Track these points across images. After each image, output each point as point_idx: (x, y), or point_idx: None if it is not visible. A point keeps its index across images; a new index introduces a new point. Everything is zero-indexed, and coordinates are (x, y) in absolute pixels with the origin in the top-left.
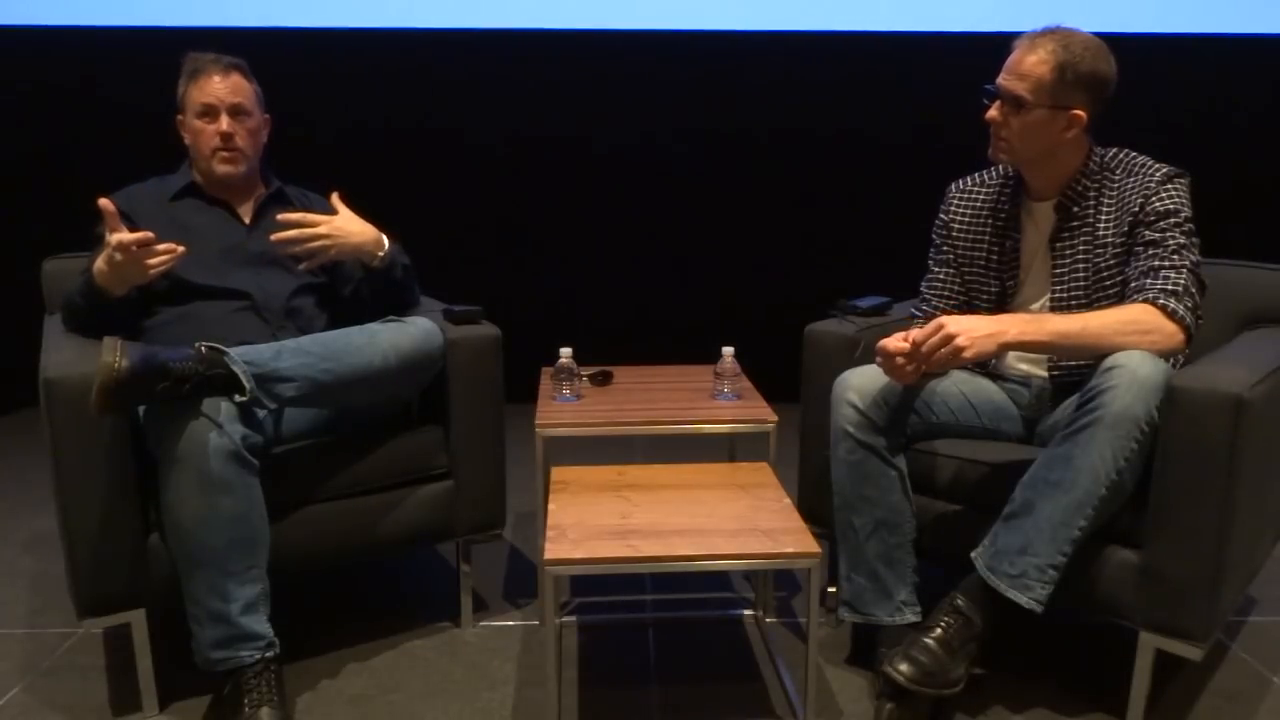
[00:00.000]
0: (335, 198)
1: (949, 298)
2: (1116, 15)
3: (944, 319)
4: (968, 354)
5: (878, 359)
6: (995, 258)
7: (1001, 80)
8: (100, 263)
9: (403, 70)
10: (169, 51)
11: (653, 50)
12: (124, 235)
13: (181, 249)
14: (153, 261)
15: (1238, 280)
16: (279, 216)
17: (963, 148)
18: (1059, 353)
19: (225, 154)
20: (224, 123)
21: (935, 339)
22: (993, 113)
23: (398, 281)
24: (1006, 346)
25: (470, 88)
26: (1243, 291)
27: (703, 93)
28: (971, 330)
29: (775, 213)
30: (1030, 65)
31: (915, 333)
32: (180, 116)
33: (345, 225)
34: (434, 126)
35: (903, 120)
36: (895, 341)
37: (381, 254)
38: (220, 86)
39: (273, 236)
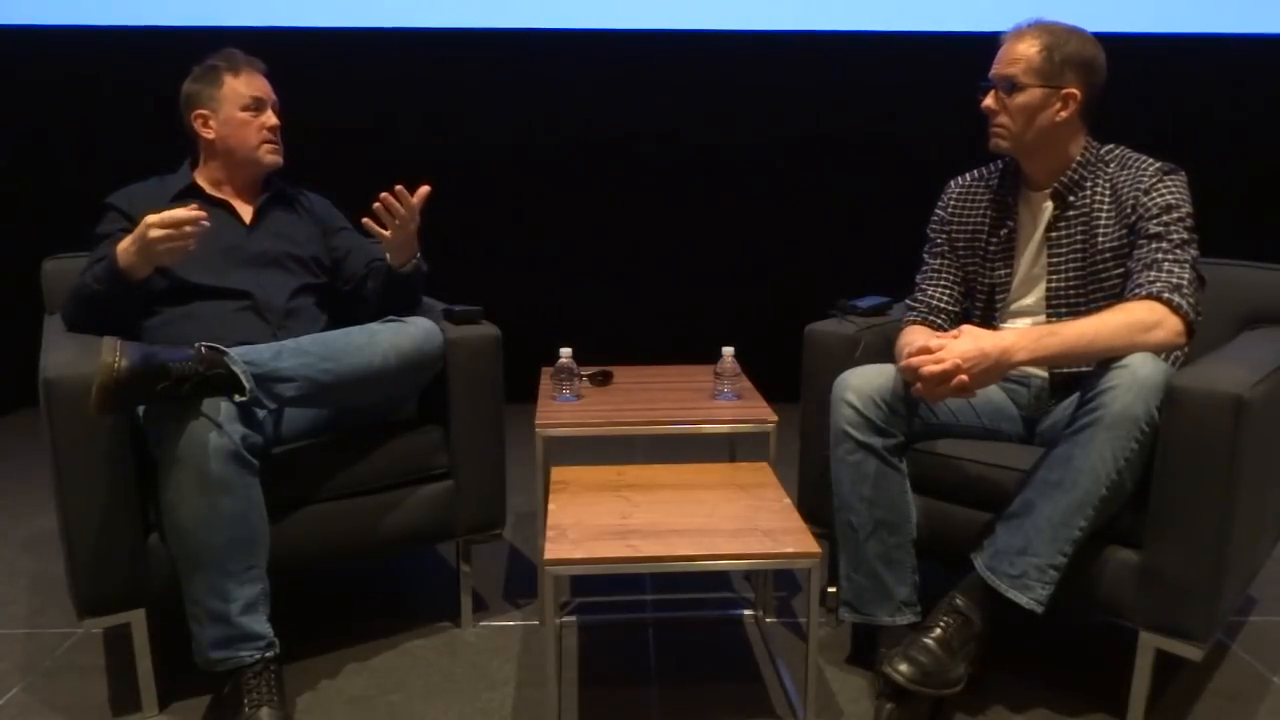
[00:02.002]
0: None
1: (945, 287)
2: (1116, 15)
3: (951, 352)
4: (972, 387)
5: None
6: (992, 247)
7: (994, 70)
8: (128, 243)
9: (403, 71)
10: (169, 51)
11: (653, 50)
12: (187, 213)
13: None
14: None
15: (1238, 280)
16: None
17: (962, 148)
18: (1068, 363)
19: (273, 145)
20: (271, 116)
21: (936, 371)
22: (988, 101)
23: (415, 288)
24: (1016, 366)
25: (470, 88)
26: (1243, 291)
27: (703, 93)
28: (974, 364)
29: (775, 213)
30: (1020, 51)
31: (917, 360)
32: (202, 112)
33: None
34: (434, 127)
35: (903, 120)
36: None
37: (417, 257)
38: (262, 83)
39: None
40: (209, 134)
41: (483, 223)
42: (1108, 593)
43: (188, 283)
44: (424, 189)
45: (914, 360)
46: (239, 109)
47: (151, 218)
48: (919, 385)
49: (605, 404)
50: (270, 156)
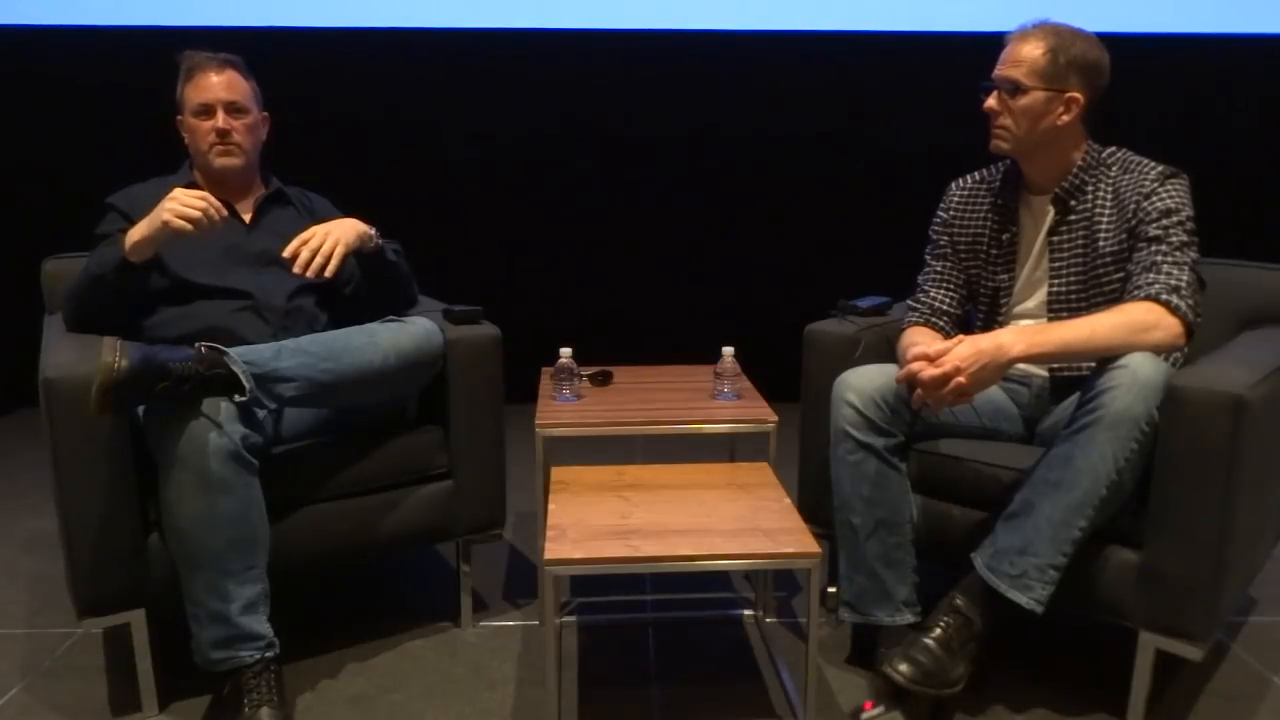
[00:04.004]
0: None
1: (948, 289)
2: (1116, 15)
3: (949, 356)
4: (971, 390)
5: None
6: (994, 251)
7: (997, 71)
8: (142, 224)
9: (402, 70)
10: (169, 51)
11: (653, 50)
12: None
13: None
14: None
15: (1238, 280)
16: (284, 253)
17: (962, 148)
18: (1066, 360)
19: (222, 148)
20: (220, 119)
21: (935, 374)
22: (990, 102)
23: (393, 265)
24: (1014, 363)
25: (471, 88)
26: (1243, 291)
27: (704, 93)
28: (971, 363)
29: (775, 213)
30: (1024, 53)
31: (916, 366)
32: (180, 117)
33: (328, 225)
34: (434, 126)
35: (902, 121)
36: (915, 366)
37: (373, 232)
38: (216, 83)
39: (294, 269)
40: (185, 137)
41: (483, 223)
42: (1108, 593)
43: (188, 282)
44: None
45: (913, 366)
46: (191, 115)
47: (180, 190)
48: (919, 391)
49: (605, 404)
50: (220, 160)
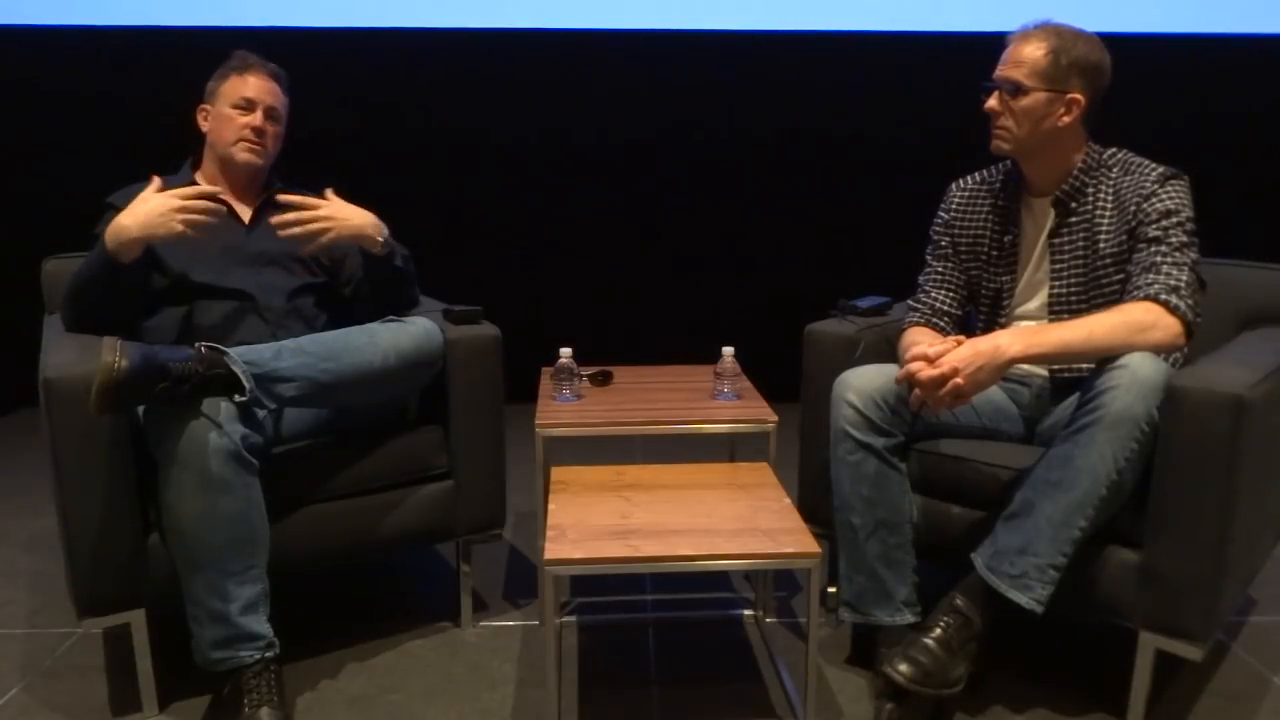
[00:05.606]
0: (330, 192)
1: (948, 290)
2: (1116, 15)
3: (947, 358)
4: (969, 391)
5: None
6: (995, 253)
7: (998, 71)
8: (124, 217)
9: (403, 70)
10: (170, 52)
11: (653, 50)
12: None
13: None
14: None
15: (1238, 280)
16: (280, 197)
17: (963, 148)
18: (1065, 361)
19: (253, 144)
20: (258, 117)
21: (933, 375)
22: (991, 102)
23: (399, 270)
24: (1011, 364)
25: (471, 88)
26: (1243, 291)
27: (703, 93)
28: (968, 364)
29: (775, 212)
30: (1026, 53)
31: (915, 366)
32: (205, 105)
33: (342, 210)
34: (434, 127)
35: (903, 120)
36: (914, 366)
37: (382, 239)
38: (263, 86)
39: (273, 219)
40: (205, 127)
41: (483, 223)
42: (1108, 593)
43: (188, 282)
44: (328, 190)
45: (912, 366)
46: (229, 106)
47: (170, 194)
48: (917, 391)
49: (605, 404)
50: (244, 155)
